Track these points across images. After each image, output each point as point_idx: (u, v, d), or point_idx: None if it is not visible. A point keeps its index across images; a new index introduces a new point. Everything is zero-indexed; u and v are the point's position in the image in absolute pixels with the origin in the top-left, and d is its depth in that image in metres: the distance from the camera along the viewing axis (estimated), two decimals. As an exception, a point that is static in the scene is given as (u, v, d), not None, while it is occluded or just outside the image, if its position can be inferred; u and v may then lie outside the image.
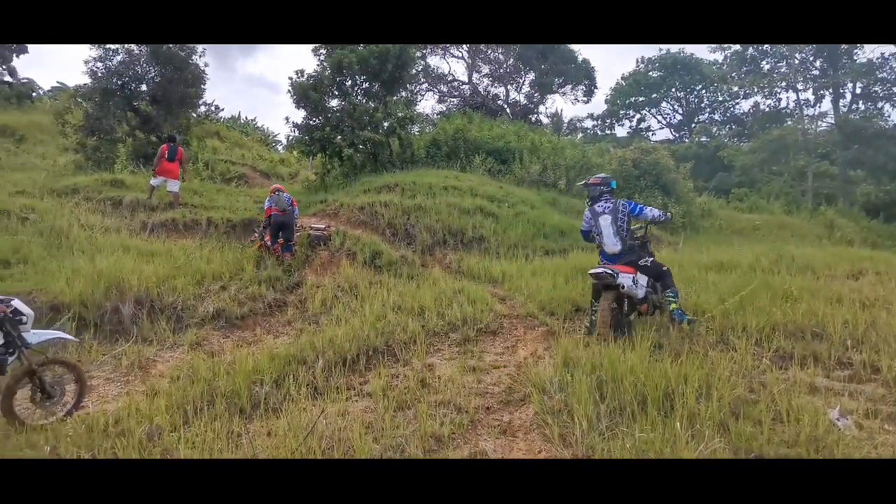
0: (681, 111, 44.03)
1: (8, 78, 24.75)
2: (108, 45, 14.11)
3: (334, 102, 15.46)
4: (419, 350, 5.29)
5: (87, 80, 14.22)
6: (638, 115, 44.68)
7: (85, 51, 16.75)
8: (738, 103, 40.90)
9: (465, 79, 31.93)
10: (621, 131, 44.04)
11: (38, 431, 3.85)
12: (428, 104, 45.78)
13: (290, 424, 3.63)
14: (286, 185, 16.79)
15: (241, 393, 4.28)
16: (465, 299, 6.68)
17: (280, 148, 25.88)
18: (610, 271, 5.22)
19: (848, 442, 3.26)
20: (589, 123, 43.49)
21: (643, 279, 5.47)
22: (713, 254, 9.64)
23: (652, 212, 5.82)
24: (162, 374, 5.25)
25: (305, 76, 14.98)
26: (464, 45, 30.22)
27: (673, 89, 42.85)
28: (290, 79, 14.94)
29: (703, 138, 36.65)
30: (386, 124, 15.15)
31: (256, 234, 9.25)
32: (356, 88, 15.61)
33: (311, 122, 15.10)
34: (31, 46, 25.05)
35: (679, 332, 5.29)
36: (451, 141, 17.10)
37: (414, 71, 17.36)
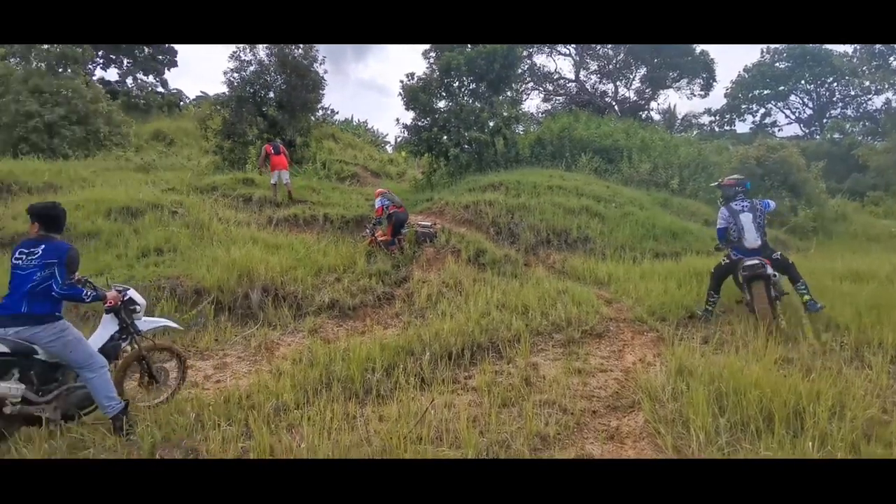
0: (811, 105, 39.48)
1: (160, 89, 28.37)
2: (242, 58, 15.66)
3: (442, 104, 15.88)
4: (523, 349, 5.27)
5: (225, 89, 15.90)
6: (762, 110, 40.75)
7: (224, 63, 18.68)
8: (870, 99, 36.00)
9: (572, 76, 31.15)
10: (743, 127, 40.44)
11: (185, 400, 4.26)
12: (533, 103, 45.36)
13: (401, 411, 3.79)
14: (393, 184, 17.54)
15: (355, 378, 4.54)
16: (570, 300, 6.55)
17: (389, 148, 27.02)
18: (762, 262, 5.54)
19: None
20: (706, 119, 40.45)
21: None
22: (848, 262, 8.56)
23: (774, 205, 6.37)
24: (285, 356, 5.72)
25: (415, 79, 15.52)
26: (571, 42, 29.50)
27: (802, 81, 38.56)
28: (401, 82, 15.59)
29: (836, 135, 32.57)
30: (491, 124, 15.26)
31: (367, 231, 9.74)
32: (463, 89, 15.89)
33: (419, 123, 15.63)
34: (179, 59, 28.45)
35: (810, 347, 4.82)
36: (557, 140, 16.81)
37: (520, 70, 17.31)
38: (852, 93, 36.95)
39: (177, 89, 29.52)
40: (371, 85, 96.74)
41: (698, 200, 14.50)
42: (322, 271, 7.97)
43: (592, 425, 3.84)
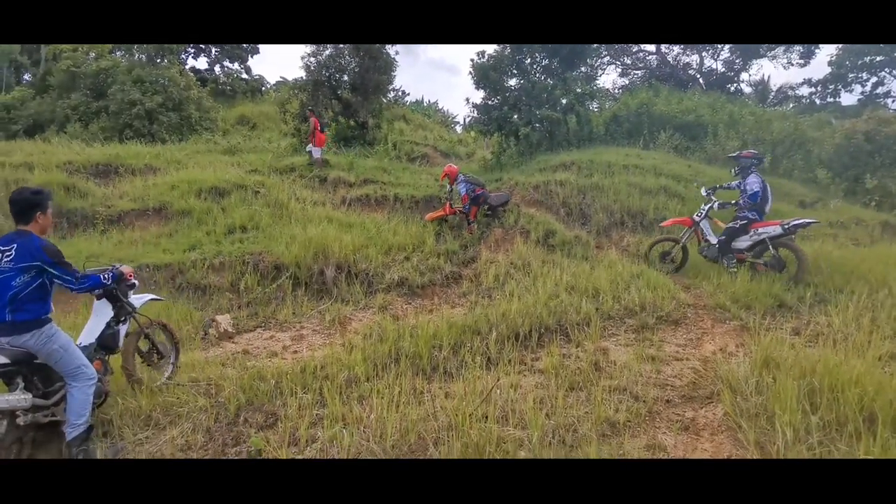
0: (938, 70, 34.79)
1: (244, 75, 29.82)
2: (319, 44, 16.10)
3: (513, 81, 15.53)
4: (593, 332, 5.15)
5: (302, 74, 16.46)
6: (874, 79, 36.43)
7: (302, 48, 19.30)
8: None
9: (653, 49, 29.40)
10: (849, 99, 36.37)
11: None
12: (609, 79, 43.39)
13: (467, 389, 3.83)
14: (462, 165, 17.50)
15: (423, 355, 4.64)
16: (644, 284, 6.29)
17: (458, 129, 26.95)
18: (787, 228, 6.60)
19: None
20: (806, 91, 36.82)
21: None
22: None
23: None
24: (356, 330, 5.94)
25: (486, 57, 15.28)
26: (653, 12, 27.76)
27: (928, 43, 34.02)
28: (472, 60, 15.39)
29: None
30: (564, 101, 14.79)
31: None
32: (535, 66, 15.46)
33: (489, 102, 15.41)
34: (261, 46, 29.76)
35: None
36: (634, 116, 16.04)
37: (595, 45, 16.56)
38: None
39: (259, 75, 30.88)
40: (441, 65, 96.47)
41: (792, 180, 13.35)
42: (392, 250, 8.16)
43: (666, 415, 3.71)
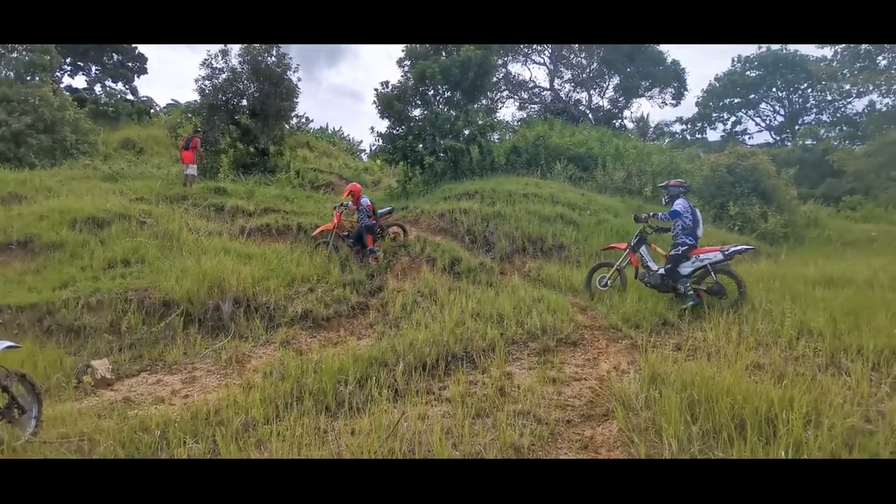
0: (782, 112, 40.65)
1: (130, 96, 27.79)
2: (214, 65, 15.44)
3: (417, 112, 15.88)
4: (498, 358, 5.26)
5: (196, 97, 15.63)
6: (733, 118, 41.81)
7: (196, 71, 18.38)
8: (850, 102, 36.98)
9: (547, 84, 31.57)
10: (714, 135, 41.38)
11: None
12: (508, 111, 45.72)
13: (373, 425, 3.73)
14: (368, 192, 17.44)
15: (327, 391, 4.48)
16: (545, 308, 6.56)
17: (364, 157, 26.90)
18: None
19: None
20: (678, 128, 41.39)
21: None
22: (821, 267, 8.78)
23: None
24: (256, 368, 5.60)
25: (390, 87, 15.50)
26: (545, 51, 29.90)
27: (773, 89, 39.69)
28: (376, 90, 15.54)
29: (809, 141, 33.46)
30: (466, 132, 15.31)
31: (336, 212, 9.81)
32: (438, 98, 15.92)
33: (394, 132, 15.60)
34: (149, 66, 27.94)
35: (782, 353, 4.89)
36: (532, 148, 16.95)
37: (495, 79, 17.45)
38: (829, 98, 37.67)
39: (147, 97, 28.98)
40: (344, 91, 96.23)
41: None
42: (295, 282, 7.86)
43: (567, 435, 3.84)
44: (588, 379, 4.87)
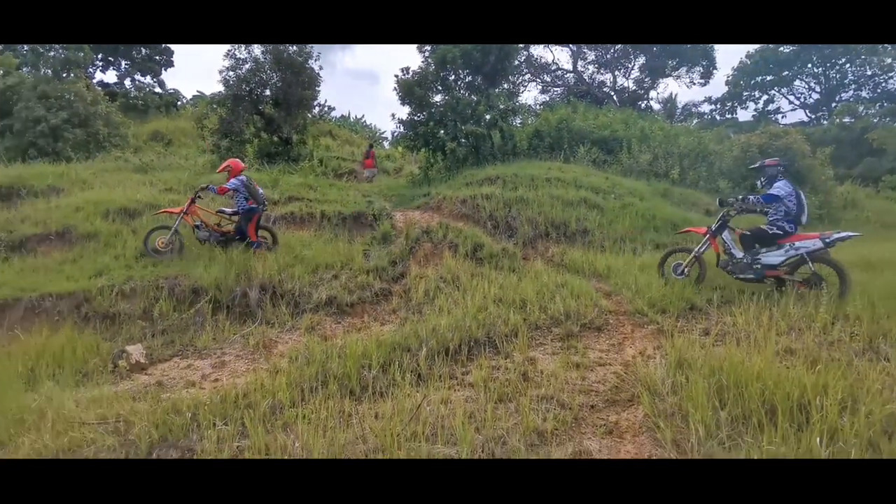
0: (818, 90, 39.12)
1: (158, 89, 28.34)
2: (237, 56, 15.59)
3: (438, 97, 15.79)
4: (521, 343, 5.25)
5: (221, 88, 15.83)
6: (765, 97, 40.45)
7: (220, 62, 18.62)
8: (891, 77, 35.39)
9: (570, 67, 30.99)
10: (745, 115, 40.20)
11: (181, 400, 4.23)
12: (530, 95, 45.04)
13: (396, 408, 3.78)
14: (391, 179, 17.48)
15: (352, 376, 4.54)
16: (569, 293, 6.52)
17: (385, 144, 26.94)
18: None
19: None
20: (707, 108, 40.25)
21: None
22: (859, 250, 8.48)
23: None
24: (282, 353, 5.72)
25: (410, 73, 15.43)
26: (569, 32, 29.30)
27: (809, 65, 38.19)
28: (396, 76, 15.50)
29: (847, 119, 32.17)
30: (488, 117, 15.18)
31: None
32: (459, 83, 15.80)
33: (415, 118, 15.56)
34: (175, 59, 28.42)
35: (815, 338, 4.76)
36: (555, 131, 16.73)
37: (516, 62, 17.21)
38: (868, 73, 36.23)
39: (174, 89, 29.45)
40: (361, 75, 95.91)
41: (699, 190, 14.42)
42: (319, 268, 7.96)
43: (591, 420, 3.82)
44: (613, 364, 4.83)
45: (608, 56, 30.67)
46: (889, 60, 29.76)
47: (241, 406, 4.05)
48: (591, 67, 31.49)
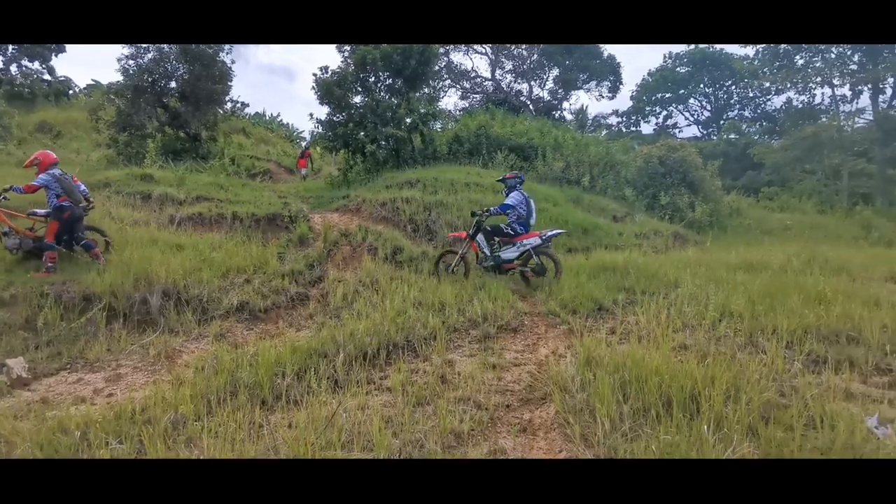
0: (709, 108, 43.11)
1: (47, 76, 25.61)
2: (139, 45, 14.44)
3: (357, 99, 15.58)
4: (439, 346, 5.27)
5: (119, 77, 14.60)
6: (664, 112, 43.96)
7: (118, 49, 17.17)
8: (769, 99, 39.79)
9: (488, 75, 31.82)
10: (647, 128, 43.44)
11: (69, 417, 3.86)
12: (451, 100, 45.85)
13: (311, 417, 3.64)
14: (309, 181, 16.97)
15: (264, 384, 4.32)
16: (486, 296, 6.64)
17: (303, 143, 26.15)
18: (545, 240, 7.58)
19: (889, 451, 3.12)
20: (614, 120, 43.04)
21: None
22: (742, 254, 9.40)
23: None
24: (187, 364, 5.34)
25: (330, 73, 15.10)
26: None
27: (701, 85, 41.99)
28: (315, 75, 15.10)
29: (733, 135, 35.69)
30: (408, 120, 15.20)
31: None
32: (379, 85, 15.68)
33: (334, 119, 15.24)
34: (68, 45, 25.88)
35: (705, 334, 5.19)
36: (474, 137, 17.07)
37: (437, 67, 17.38)
38: (750, 94, 40.14)
39: (65, 77, 26.71)
40: (276, 71, 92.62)
41: (607, 197, 15.31)
42: (230, 272, 7.53)
43: (506, 419, 3.90)
44: (527, 364, 4.96)
45: (524, 66, 31.79)
46: (767, 84, 33.30)
47: (139, 422, 3.72)
48: (508, 76, 32.51)
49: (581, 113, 31.85)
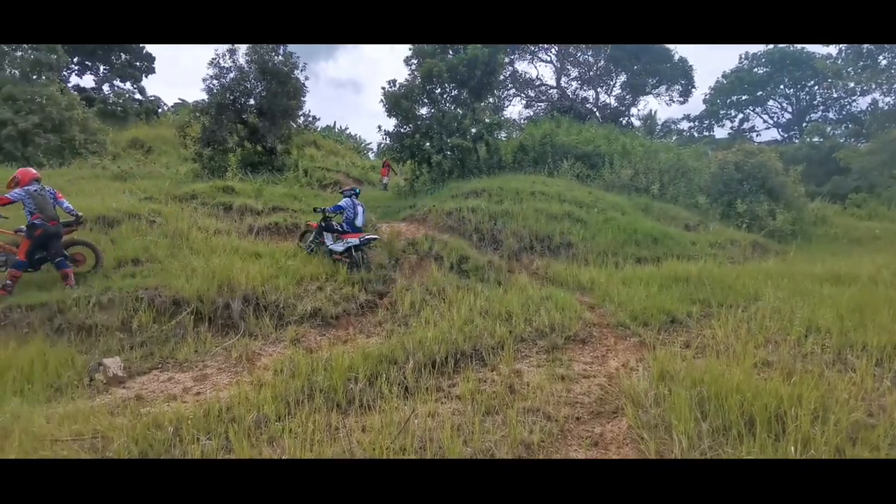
0: (790, 110, 40.44)
1: (138, 96, 27.99)
2: (222, 64, 15.51)
3: (424, 110, 15.90)
4: (507, 355, 5.27)
5: (204, 96, 15.71)
6: (741, 115, 41.68)
7: (203, 70, 18.48)
8: (854, 100, 36.80)
9: (553, 83, 31.49)
10: (721, 132, 41.35)
11: (162, 414, 4.15)
12: (515, 109, 45.58)
13: (384, 422, 3.75)
14: (376, 191, 17.46)
15: (338, 389, 4.49)
16: (553, 306, 6.57)
17: (371, 155, 26.96)
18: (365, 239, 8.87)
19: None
20: (685, 125, 41.34)
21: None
22: (828, 265, 8.74)
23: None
24: (266, 366, 5.63)
25: (397, 86, 15.52)
26: (552, 49, 29.81)
27: (781, 86, 39.49)
28: (383, 88, 15.58)
29: (816, 138, 33.23)
30: (473, 130, 15.33)
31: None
32: (445, 96, 15.94)
33: (401, 130, 15.62)
34: (157, 66, 28.16)
35: (790, 350, 4.88)
36: (539, 146, 16.96)
37: (502, 77, 17.45)
38: (835, 95, 37.45)
39: (154, 96, 29.20)
40: (344, 84, 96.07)
41: (678, 205, 14.71)
42: (304, 280, 7.89)
43: (576, 432, 3.84)
44: (597, 376, 4.87)
45: (591, 73, 31.25)
46: (851, 84, 30.80)
47: (225, 420, 3.97)
48: (574, 83, 32.07)
49: (650, 118, 30.82)
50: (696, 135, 40.37)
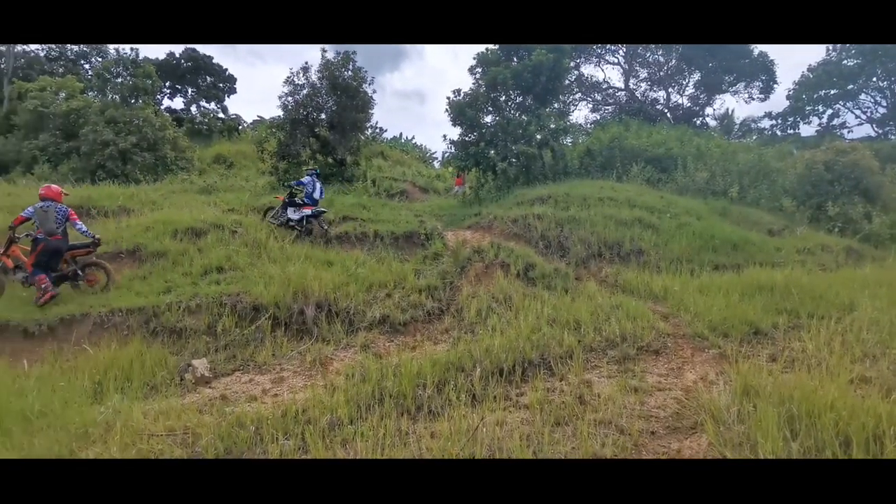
0: (884, 104, 36.79)
1: (221, 115, 29.99)
2: (296, 82, 16.34)
3: (489, 118, 15.95)
4: (576, 365, 5.16)
5: (279, 112, 16.60)
6: (829, 111, 38.39)
7: (279, 87, 19.53)
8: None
9: (621, 84, 30.60)
10: (808, 130, 38.24)
11: (245, 414, 4.39)
12: (581, 114, 44.72)
13: (452, 429, 3.78)
14: (441, 200, 17.67)
15: (407, 394, 4.58)
16: (624, 315, 6.37)
17: (436, 164, 27.32)
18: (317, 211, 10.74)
19: None
20: (766, 123, 38.60)
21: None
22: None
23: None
24: (338, 371, 5.84)
25: (462, 95, 15.68)
26: (619, 51, 29.02)
27: (874, 79, 36.05)
28: (448, 98, 15.79)
29: (917, 134, 30.08)
30: (539, 136, 15.20)
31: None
32: (510, 103, 15.93)
33: (466, 139, 15.75)
34: (238, 86, 30.05)
35: (890, 365, 4.46)
36: (607, 150, 16.55)
37: (567, 81, 17.18)
38: (936, 87, 34.04)
39: (235, 114, 31.15)
40: (409, 95, 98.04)
41: (760, 209, 13.82)
42: (373, 287, 8.11)
43: (652, 447, 3.70)
44: (673, 389, 4.66)
45: (661, 73, 30.10)
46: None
47: (301, 421, 4.16)
48: (643, 85, 31.02)
49: (727, 118, 29.19)
50: (779, 133, 37.63)
